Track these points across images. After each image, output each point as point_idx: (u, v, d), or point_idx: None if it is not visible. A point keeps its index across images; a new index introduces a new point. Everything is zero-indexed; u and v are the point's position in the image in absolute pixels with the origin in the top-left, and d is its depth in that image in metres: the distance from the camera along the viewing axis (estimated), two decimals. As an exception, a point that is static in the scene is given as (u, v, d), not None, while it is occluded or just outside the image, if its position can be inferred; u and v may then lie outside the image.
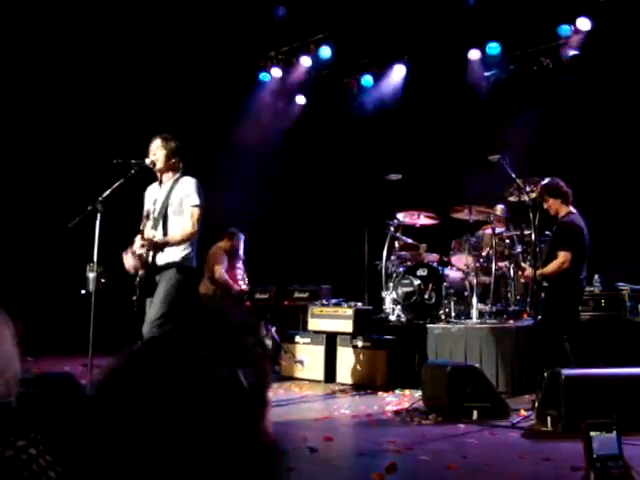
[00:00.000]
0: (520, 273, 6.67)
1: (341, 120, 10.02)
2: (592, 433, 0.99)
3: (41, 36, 9.07)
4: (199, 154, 7.16)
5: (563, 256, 5.75)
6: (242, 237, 7.94)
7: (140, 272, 4.75)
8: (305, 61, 10.40)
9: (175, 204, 4.89)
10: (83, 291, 9.46)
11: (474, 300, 7.20)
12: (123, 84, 9.44)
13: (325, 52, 10.13)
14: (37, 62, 9.22)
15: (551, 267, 5.80)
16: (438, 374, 5.51)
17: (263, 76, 10.71)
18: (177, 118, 8.45)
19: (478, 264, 7.39)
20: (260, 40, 9.95)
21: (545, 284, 6.01)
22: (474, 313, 7.17)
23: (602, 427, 1.01)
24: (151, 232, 4.80)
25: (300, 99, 10.95)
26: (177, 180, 4.96)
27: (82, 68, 9.26)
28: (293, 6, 9.43)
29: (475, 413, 5.13)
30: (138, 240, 4.74)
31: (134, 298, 4.70)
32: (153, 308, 4.65)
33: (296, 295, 8.82)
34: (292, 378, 7.50)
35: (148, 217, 4.89)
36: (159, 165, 4.94)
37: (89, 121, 9.32)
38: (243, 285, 7.75)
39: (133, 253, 4.73)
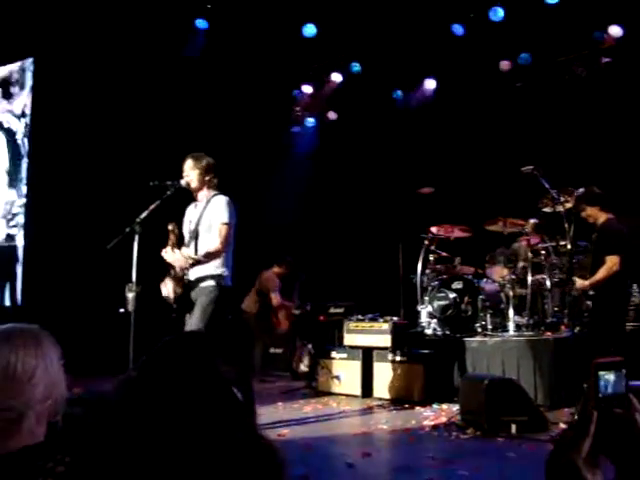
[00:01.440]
0: (571, 286, 6.56)
1: (373, 135, 10.06)
2: (600, 372, 1.01)
3: (79, 63, 9.32)
4: (234, 173, 7.27)
5: (611, 260, 5.67)
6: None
7: (177, 291, 4.85)
8: (336, 77, 10.49)
9: (206, 223, 5.03)
10: (122, 310, 9.62)
11: (510, 312, 7.17)
12: (160, 105, 9.63)
13: (355, 67, 10.22)
14: (74, 85, 9.46)
15: (601, 273, 5.71)
16: (475, 388, 5.49)
17: (295, 93, 10.82)
18: (212, 138, 8.58)
19: (514, 276, 7.37)
20: (291, 58, 10.05)
21: (591, 293, 5.95)
22: (511, 326, 7.13)
23: (611, 366, 1.02)
24: (186, 251, 4.92)
25: (331, 115, 11.03)
26: (210, 199, 5.07)
27: (119, 91, 9.46)
28: (323, 23, 9.53)
29: (514, 427, 5.10)
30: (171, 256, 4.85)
31: (173, 315, 4.81)
32: (190, 324, 4.74)
33: (331, 311, 8.87)
34: (329, 393, 7.51)
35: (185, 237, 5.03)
36: (193, 185, 5.08)
37: (126, 144, 9.50)
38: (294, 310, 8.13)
39: (170, 276, 4.85)
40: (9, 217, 10.43)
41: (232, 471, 0.95)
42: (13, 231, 10.31)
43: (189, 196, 5.20)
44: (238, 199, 5.26)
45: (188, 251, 4.94)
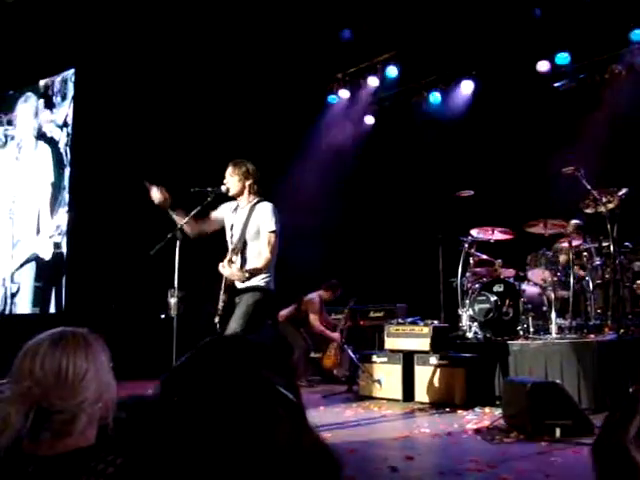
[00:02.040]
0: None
1: (410, 138, 10.03)
2: None
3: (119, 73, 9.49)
4: (270, 176, 7.32)
5: None
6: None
7: (222, 297, 4.90)
8: (372, 81, 10.49)
9: (252, 231, 5.06)
10: (163, 315, 9.76)
11: (553, 315, 7.07)
12: (199, 111, 9.79)
13: (392, 71, 10.21)
14: (114, 94, 9.69)
15: None
16: (518, 391, 5.43)
17: (331, 99, 10.86)
18: (251, 144, 8.65)
19: (556, 278, 7.27)
20: (327, 63, 10.09)
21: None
22: (553, 328, 7.03)
23: None
24: (233, 261, 4.96)
25: (368, 119, 11.03)
26: (254, 206, 5.12)
27: (158, 99, 9.64)
28: (358, 27, 9.55)
29: (558, 431, 5.02)
30: (223, 267, 4.90)
31: (216, 320, 4.85)
32: (232, 324, 4.80)
33: (371, 314, 8.89)
34: (370, 397, 7.50)
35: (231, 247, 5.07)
36: (232, 191, 5.14)
37: (166, 151, 9.67)
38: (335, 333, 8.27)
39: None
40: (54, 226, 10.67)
41: (289, 472, 0.95)
42: (57, 239, 10.53)
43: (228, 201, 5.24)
44: (280, 202, 5.29)
45: (238, 263, 4.97)
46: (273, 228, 5.01)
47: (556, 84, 9.13)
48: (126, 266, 8.81)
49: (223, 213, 5.29)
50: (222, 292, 4.91)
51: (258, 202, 5.15)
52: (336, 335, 8.58)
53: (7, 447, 1.67)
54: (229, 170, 5.16)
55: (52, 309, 10.27)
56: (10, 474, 1.65)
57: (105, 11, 9.20)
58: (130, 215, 9.29)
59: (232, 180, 5.14)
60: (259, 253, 5.02)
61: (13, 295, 11.01)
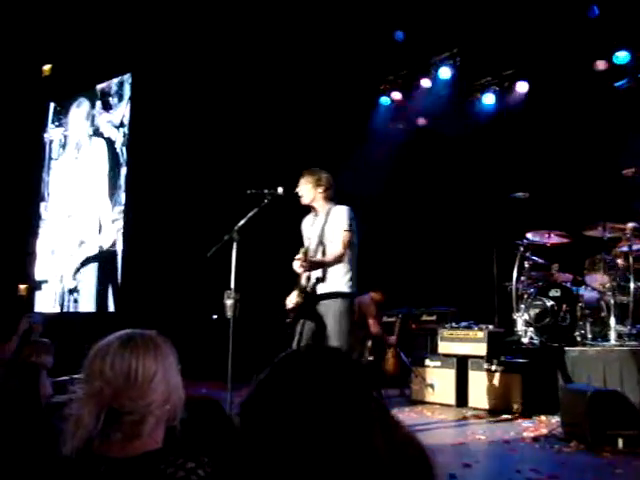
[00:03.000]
0: None
1: (464, 139, 9.91)
2: None
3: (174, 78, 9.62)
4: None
5: None
6: None
7: (298, 300, 4.90)
8: (425, 83, 10.39)
9: (330, 233, 5.11)
10: (215, 316, 9.86)
11: (612, 321, 6.87)
12: (255, 113, 9.84)
13: (445, 73, 10.09)
14: (171, 95, 9.85)
15: None
16: (578, 399, 5.30)
17: (383, 100, 10.78)
18: (302, 146, 8.67)
19: (615, 283, 7.07)
20: (379, 64, 10.04)
21: None
22: (612, 335, 6.84)
23: None
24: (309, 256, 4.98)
25: (421, 121, 10.93)
26: (330, 210, 5.17)
27: (214, 100, 9.75)
28: (411, 28, 9.48)
29: (620, 441, 4.87)
30: (297, 261, 4.91)
31: (288, 321, 4.85)
32: (332, 343, 4.76)
33: (424, 318, 8.79)
34: (423, 402, 7.44)
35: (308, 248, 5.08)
36: (304, 199, 5.20)
37: (223, 152, 9.77)
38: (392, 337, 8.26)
39: (295, 286, 4.92)
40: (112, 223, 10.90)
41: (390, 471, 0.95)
42: (115, 237, 10.76)
43: (287, 204, 5.25)
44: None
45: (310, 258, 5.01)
46: (346, 227, 5.04)
47: (616, 84, 8.89)
48: (182, 267, 8.92)
49: (306, 228, 5.35)
50: (297, 294, 4.90)
51: (332, 207, 5.20)
52: (393, 338, 8.52)
53: (79, 447, 1.68)
54: (302, 178, 5.21)
55: (111, 308, 10.42)
56: (82, 474, 1.66)
57: (159, 17, 9.34)
58: (186, 216, 9.42)
59: (304, 188, 5.19)
60: (333, 250, 5.08)
61: (71, 292, 11.26)
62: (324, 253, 5.08)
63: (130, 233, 10.33)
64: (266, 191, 5.02)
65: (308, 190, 5.16)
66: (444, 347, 7.61)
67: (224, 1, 9.09)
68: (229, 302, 4.88)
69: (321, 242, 5.10)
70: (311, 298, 4.98)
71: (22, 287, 11.97)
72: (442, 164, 10.17)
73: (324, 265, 4.97)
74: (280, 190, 5.06)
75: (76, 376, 1.86)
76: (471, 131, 9.86)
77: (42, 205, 12.30)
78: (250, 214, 4.94)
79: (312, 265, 4.92)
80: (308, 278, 5.03)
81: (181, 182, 9.65)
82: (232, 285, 4.85)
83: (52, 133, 12.28)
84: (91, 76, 11.29)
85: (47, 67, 11.50)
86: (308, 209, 5.36)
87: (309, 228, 5.30)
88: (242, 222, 4.90)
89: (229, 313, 4.90)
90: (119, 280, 10.50)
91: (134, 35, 9.88)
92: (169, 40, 9.59)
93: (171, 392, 1.79)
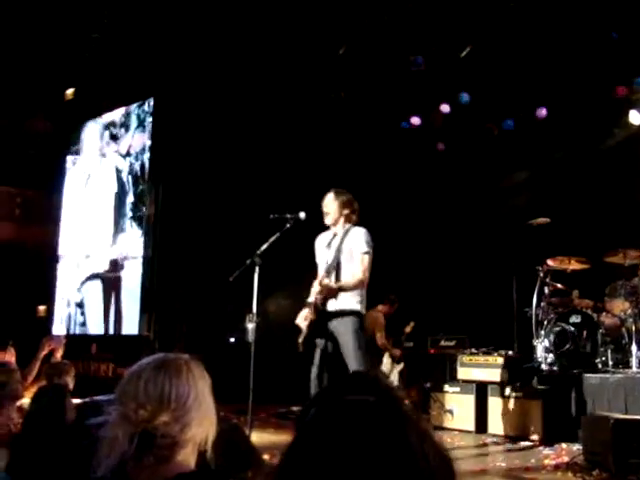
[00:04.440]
0: None
1: (483, 164, 9.93)
2: None
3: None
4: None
5: None
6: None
7: (311, 317, 4.92)
8: (444, 108, 10.42)
9: (346, 252, 5.12)
10: (232, 339, 9.89)
11: (633, 348, 6.84)
12: (277, 138, 10.00)
13: (464, 98, 10.13)
14: (191, 122, 10.05)
15: None
16: (600, 427, 5.26)
17: (403, 124, 10.82)
18: (324, 171, 8.74)
19: (636, 309, 7.05)
20: (399, 90, 10.10)
21: None
22: (634, 362, 6.80)
23: None
24: (325, 280, 5.00)
25: (440, 146, 10.94)
26: (348, 230, 5.19)
27: (235, 125, 9.95)
28: (430, 54, 9.54)
29: (644, 470, 4.84)
30: (315, 286, 4.94)
31: (300, 341, 4.87)
32: (351, 363, 4.80)
33: (442, 343, 8.78)
34: (442, 428, 7.39)
35: (324, 268, 5.11)
36: (329, 219, 5.21)
37: (245, 177, 9.93)
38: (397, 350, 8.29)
39: (306, 304, 4.95)
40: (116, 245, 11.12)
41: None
42: (120, 262, 10.96)
43: (308, 229, 5.29)
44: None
45: (328, 280, 5.05)
46: (366, 249, 5.08)
47: (633, 110, 8.88)
48: (204, 290, 8.98)
49: (320, 246, 5.37)
50: (310, 312, 4.92)
51: (351, 227, 5.23)
52: (398, 352, 8.51)
53: (113, 469, 1.71)
54: (329, 197, 5.24)
55: (134, 331, 10.45)
56: (115, 496, 1.69)
57: (178, 41, 9.51)
58: (209, 240, 9.53)
59: (331, 207, 5.21)
60: (352, 275, 5.08)
61: (80, 314, 11.39)
62: (338, 274, 5.10)
63: (153, 256, 10.40)
64: (288, 216, 5.07)
65: (335, 210, 5.19)
66: (463, 373, 7.59)
67: (249, 25, 9.20)
68: (250, 326, 4.92)
69: (338, 263, 5.11)
70: (323, 315, 5.00)
71: (41, 308, 12.00)
72: (461, 189, 10.18)
73: (344, 291, 4.99)
74: (302, 215, 5.11)
75: (112, 397, 1.89)
76: (490, 156, 9.87)
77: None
78: (272, 238, 4.99)
79: (330, 292, 4.94)
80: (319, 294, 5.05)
81: (204, 206, 9.75)
82: (254, 309, 4.88)
83: (67, 158, 12.51)
84: (102, 102, 11.54)
85: (70, 91, 11.60)
86: (324, 226, 5.39)
87: (324, 248, 5.30)
88: (264, 246, 4.94)
89: (250, 337, 4.93)
90: (122, 304, 10.68)
91: (153, 59, 10.04)
92: (190, 64, 9.72)
93: (203, 416, 1.82)
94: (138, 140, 11.11)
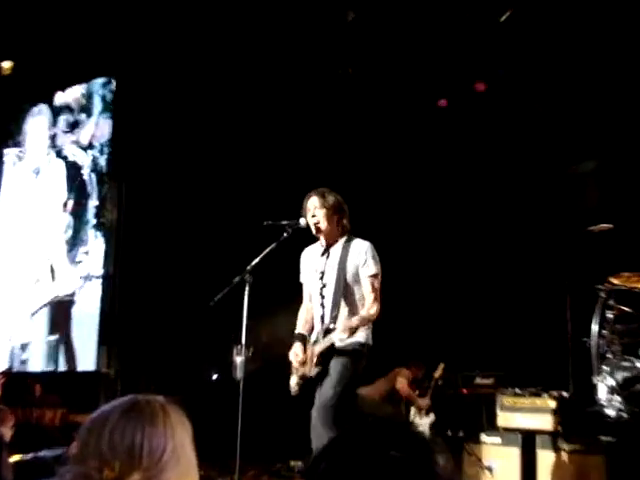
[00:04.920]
0: None
1: (532, 157, 9.93)
2: None
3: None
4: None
5: None
6: None
7: (303, 358, 4.94)
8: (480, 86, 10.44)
9: (351, 276, 5.12)
10: (215, 376, 9.86)
11: None
12: (267, 131, 10.11)
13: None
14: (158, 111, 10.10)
15: None
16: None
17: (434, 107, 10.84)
18: (334, 167, 8.76)
19: None
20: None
21: None
22: None
23: None
24: (343, 311, 4.96)
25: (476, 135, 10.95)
26: (347, 245, 5.18)
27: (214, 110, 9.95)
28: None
29: None
30: (297, 348, 5.04)
31: (293, 382, 4.87)
32: (326, 388, 4.88)
33: (478, 381, 8.78)
34: (479, 490, 7.39)
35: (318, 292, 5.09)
36: (323, 226, 5.20)
37: (233, 177, 10.01)
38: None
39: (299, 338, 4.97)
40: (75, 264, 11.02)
41: None
42: (78, 283, 10.86)
43: (311, 238, 5.29)
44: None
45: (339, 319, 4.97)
46: (375, 271, 5.08)
47: None
48: (178, 316, 8.97)
49: (308, 265, 5.34)
50: (302, 350, 4.92)
51: (350, 239, 5.20)
52: (426, 402, 8.53)
53: None
54: (315, 201, 5.21)
55: (90, 367, 10.40)
56: None
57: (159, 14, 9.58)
58: (186, 255, 9.59)
59: (320, 213, 5.17)
60: (361, 302, 5.09)
61: (23, 348, 11.31)
62: (343, 299, 5.09)
63: (114, 273, 10.37)
64: (285, 222, 5.06)
65: (325, 217, 5.16)
66: (505, 419, 7.54)
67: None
68: (239, 359, 4.90)
69: (346, 286, 5.09)
70: (327, 355, 5.04)
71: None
72: (506, 187, 10.22)
73: (364, 323, 4.97)
74: (303, 222, 5.10)
75: (61, 451, 1.89)
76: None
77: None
78: (266, 251, 4.98)
79: (355, 330, 4.88)
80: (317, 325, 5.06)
81: (180, 211, 9.73)
82: (243, 339, 4.86)
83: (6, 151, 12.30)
84: (53, 80, 11.39)
85: (7, 65, 11.17)
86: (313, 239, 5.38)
87: (315, 266, 5.31)
88: (256, 261, 4.93)
89: (239, 373, 4.91)
90: (73, 334, 10.65)
91: (116, 25, 10.01)
92: (162, 35, 9.78)
93: (183, 473, 1.81)
94: (103, 128, 10.94)
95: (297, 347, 5.03)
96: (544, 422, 7.22)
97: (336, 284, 5.08)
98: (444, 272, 10.37)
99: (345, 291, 5.07)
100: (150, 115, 10.24)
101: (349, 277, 5.08)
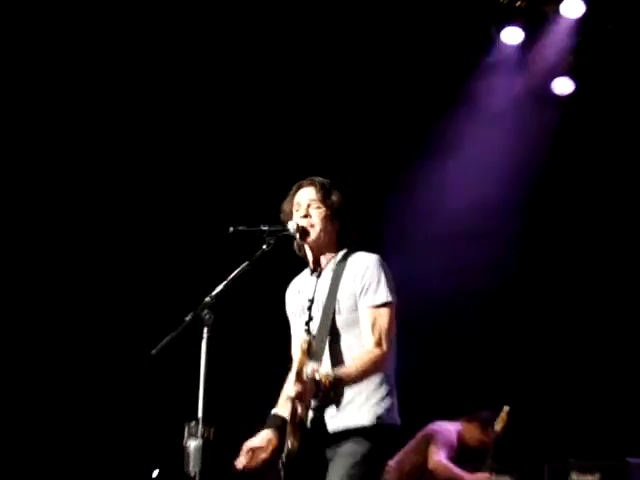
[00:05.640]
0: None
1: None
2: None
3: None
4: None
5: None
6: None
7: (294, 444, 4.58)
8: (569, 11, 10.14)
9: (346, 306, 4.77)
10: (156, 473, 9.88)
11: None
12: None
13: None
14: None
15: None
16: None
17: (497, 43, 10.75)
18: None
19: None
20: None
21: None
22: None
23: None
24: (310, 365, 4.59)
25: (561, 84, 10.72)
26: (342, 262, 4.90)
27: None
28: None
29: None
30: (291, 384, 4.56)
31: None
32: None
33: (575, 477, 8.59)
34: None
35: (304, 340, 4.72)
36: (314, 235, 4.89)
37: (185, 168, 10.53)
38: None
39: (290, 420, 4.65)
40: None
41: None
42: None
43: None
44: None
45: (324, 368, 4.58)
46: (385, 299, 4.70)
47: None
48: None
49: (294, 301, 5.13)
50: (288, 432, 4.59)
51: (349, 254, 4.91)
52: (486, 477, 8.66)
53: None
54: (312, 193, 4.95)
55: None
56: None
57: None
58: (116, 275, 9.55)
59: (319, 212, 4.90)
60: (360, 344, 4.71)
61: None
62: (334, 341, 4.76)
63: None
64: (265, 228, 4.74)
65: (326, 218, 4.92)
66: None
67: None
68: (193, 445, 4.58)
69: (330, 325, 4.75)
70: (314, 441, 4.68)
71: None
72: (599, 164, 10.52)
73: (349, 383, 4.59)
74: (292, 226, 4.78)
75: None
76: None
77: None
78: (235, 273, 4.64)
79: (325, 391, 4.47)
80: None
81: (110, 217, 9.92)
82: (200, 412, 4.55)
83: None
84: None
85: None
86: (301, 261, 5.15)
87: (299, 302, 5.05)
88: (219, 288, 4.60)
89: (192, 464, 4.60)
90: None
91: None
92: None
93: None
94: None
95: (264, 436, 4.72)
96: None
97: (319, 328, 4.74)
98: (536, 306, 10.82)
99: (334, 335, 4.71)
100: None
101: (339, 318, 4.73)
